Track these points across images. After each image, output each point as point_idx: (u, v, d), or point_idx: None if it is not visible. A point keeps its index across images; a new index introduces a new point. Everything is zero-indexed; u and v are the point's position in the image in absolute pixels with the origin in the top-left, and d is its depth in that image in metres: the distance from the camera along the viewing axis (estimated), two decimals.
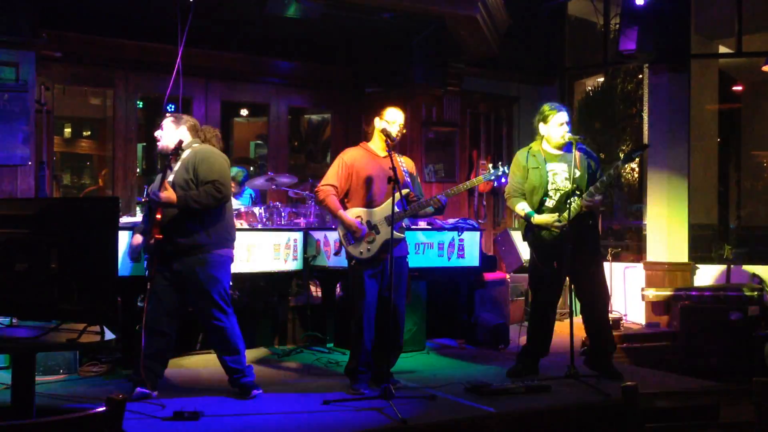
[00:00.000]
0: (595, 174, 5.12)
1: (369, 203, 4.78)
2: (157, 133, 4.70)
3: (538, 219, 5.03)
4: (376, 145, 4.90)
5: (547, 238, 5.05)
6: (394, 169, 4.54)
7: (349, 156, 4.88)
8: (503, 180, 5.18)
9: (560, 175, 5.09)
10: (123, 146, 7.62)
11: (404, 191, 4.73)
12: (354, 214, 4.76)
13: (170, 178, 4.49)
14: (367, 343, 4.74)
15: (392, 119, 4.84)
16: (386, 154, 4.73)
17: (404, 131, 4.93)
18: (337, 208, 4.76)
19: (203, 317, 4.57)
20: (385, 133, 4.77)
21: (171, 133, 4.63)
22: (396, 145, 4.89)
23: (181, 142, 4.57)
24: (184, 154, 4.57)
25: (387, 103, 5.06)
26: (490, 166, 5.26)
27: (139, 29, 7.40)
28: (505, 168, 5.02)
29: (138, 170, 7.66)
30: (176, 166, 4.55)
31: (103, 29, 7.31)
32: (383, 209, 4.73)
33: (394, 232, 4.61)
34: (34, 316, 3.38)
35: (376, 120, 4.90)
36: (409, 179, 4.87)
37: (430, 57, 8.06)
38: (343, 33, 8.03)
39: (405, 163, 4.93)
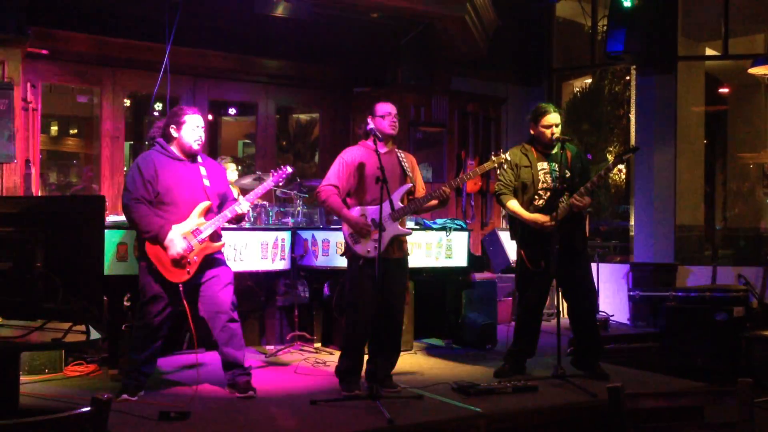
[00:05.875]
0: (586, 174, 5.14)
1: (371, 201, 4.72)
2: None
3: (530, 217, 5.05)
4: (375, 143, 4.85)
5: (535, 237, 5.06)
6: (382, 168, 4.50)
7: (350, 155, 4.82)
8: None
9: (550, 175, 5.11)
10: (110, 145, 7.58)
11: (408, 187, 4.74)
12: (357, 212, 4.70)
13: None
14: (361, 344, 4.73)
15: (383, 113, 4.81)
16: (386, 150, 4.74)
17: (397, 123, 4.85)
18: (341, 208, 4.70)
19: (221, 314, 4.53)
20: (378, 129, 4.74)
21: None
22: (395, 140, 4.89)
23: None
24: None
25: (376, 101, 5.03)
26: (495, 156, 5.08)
27: (126, 27, 7.37)
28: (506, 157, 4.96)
29: (125, 169, 7.61)
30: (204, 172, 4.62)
31: (91, 27, 7.27)
32: (386, 206, 4.69)
33: (402, 228, 4.63)
34: (18, 315, 3.36)
35: (369, 118, 4.85)
36: (411, 174, 4.84)
37: (418, 57, 8.08)
38: (331, 32, 8.03)
39: (406, 159, 4.89)
